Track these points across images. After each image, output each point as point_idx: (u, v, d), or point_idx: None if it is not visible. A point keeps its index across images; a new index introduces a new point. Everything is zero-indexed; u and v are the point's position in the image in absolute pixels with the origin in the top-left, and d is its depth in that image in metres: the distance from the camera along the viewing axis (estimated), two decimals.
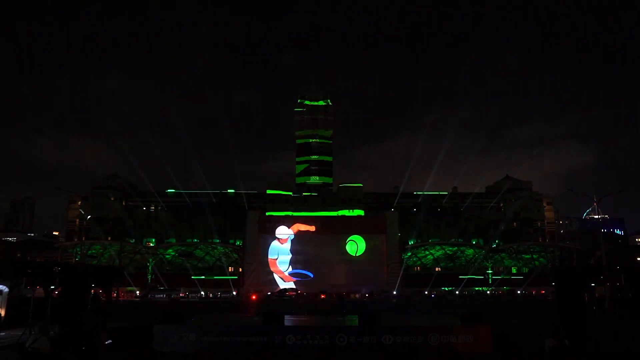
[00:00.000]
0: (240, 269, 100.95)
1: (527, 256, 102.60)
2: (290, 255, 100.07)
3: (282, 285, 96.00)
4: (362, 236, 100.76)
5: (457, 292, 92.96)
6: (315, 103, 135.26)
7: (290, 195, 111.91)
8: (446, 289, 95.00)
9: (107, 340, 19.36)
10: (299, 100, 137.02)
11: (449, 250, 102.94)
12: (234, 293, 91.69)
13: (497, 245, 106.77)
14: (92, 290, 26.74)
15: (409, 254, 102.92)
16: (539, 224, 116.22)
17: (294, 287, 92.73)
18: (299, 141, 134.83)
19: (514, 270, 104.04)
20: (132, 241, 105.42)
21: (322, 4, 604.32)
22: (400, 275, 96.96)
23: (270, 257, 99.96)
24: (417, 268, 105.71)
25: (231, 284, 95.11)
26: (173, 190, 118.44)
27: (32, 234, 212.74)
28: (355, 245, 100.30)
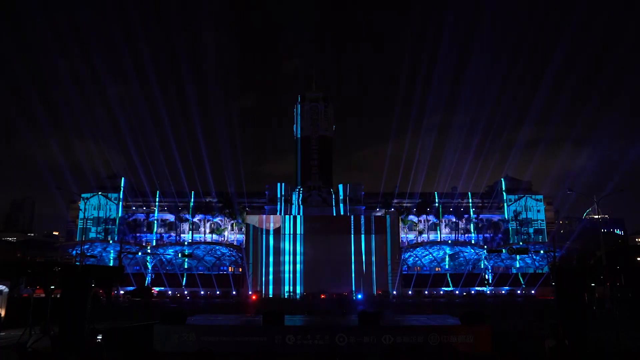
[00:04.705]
0: (241, 269, 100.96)
1: (527, 256, 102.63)
2: (290, 255, 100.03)
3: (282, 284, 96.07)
4: (361, 236, 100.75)
5: (456, 292, 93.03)
6: (315, 103, 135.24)
7: (290, 195, 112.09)
8: (446, 289, 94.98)
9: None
10: (299, 101, 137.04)
11: (449, 250, 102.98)
12: (234, 293, 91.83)
13: (497, 245, 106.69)
14: (93, 291, 26.75)
15: (409, 254, 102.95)
16: (538, 223, 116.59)
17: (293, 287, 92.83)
18: (298, 141, 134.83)
19: (513, 270, 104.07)
20: (132, 241, 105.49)
21: (323, 4, 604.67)
22: (400, 275, 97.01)
23: (270, 257, 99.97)
24: (416, 268, 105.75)
25: (232, 284, 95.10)
26: (173, 190, 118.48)
27: (32, 234, 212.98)
28: (355, 245, 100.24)
